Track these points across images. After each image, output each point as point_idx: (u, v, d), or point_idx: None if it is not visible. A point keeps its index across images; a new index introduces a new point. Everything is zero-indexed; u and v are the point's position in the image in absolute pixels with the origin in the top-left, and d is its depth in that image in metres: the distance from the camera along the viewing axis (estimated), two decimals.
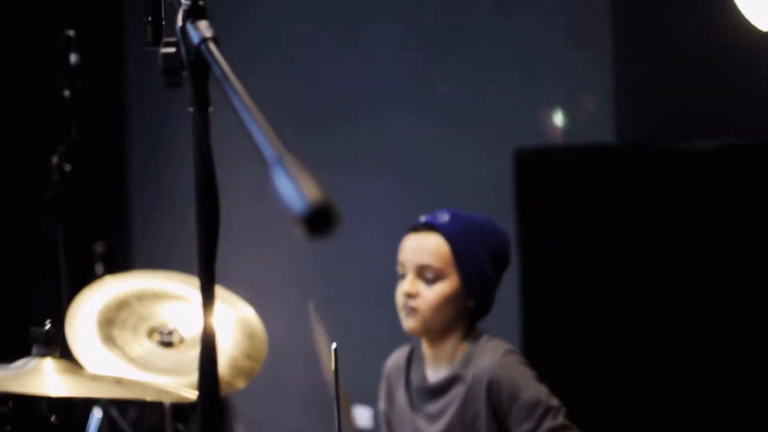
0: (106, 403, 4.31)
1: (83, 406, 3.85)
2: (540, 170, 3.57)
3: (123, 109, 5.32)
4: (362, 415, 3.19)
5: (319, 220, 0.91)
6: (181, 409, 3.79)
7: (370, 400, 2.97)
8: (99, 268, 4.46)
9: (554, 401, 2.47)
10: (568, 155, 3.56)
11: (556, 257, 3.57)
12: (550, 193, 3.56)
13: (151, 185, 5.30)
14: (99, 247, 4.54)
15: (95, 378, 2.30)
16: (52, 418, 1.92)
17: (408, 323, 2.53)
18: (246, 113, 0.99)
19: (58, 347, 1.87)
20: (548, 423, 2.44)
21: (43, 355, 1.86)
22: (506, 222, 3.58)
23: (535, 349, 3.53)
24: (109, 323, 2.83)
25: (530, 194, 3.56)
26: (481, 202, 3.67)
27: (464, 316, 2.55)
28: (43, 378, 1.83)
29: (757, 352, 3.04)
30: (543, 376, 3.41)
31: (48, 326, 1.88)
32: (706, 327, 3.13)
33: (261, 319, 2.84)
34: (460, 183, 3.95)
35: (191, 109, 1.15)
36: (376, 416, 2.79)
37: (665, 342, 3.23)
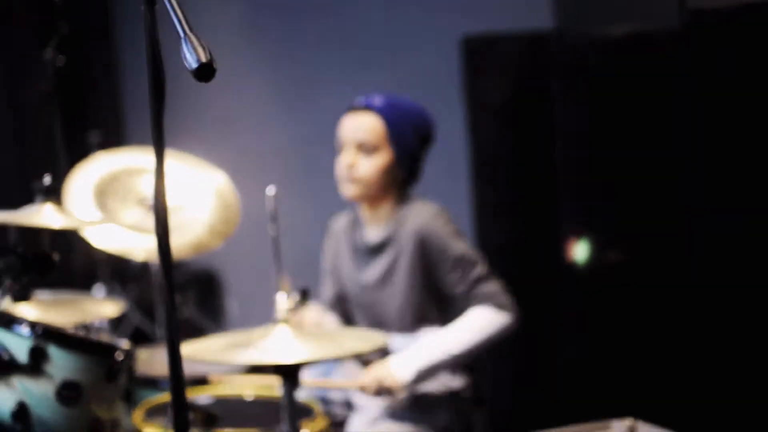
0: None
1: None
2: (485, 56, 3.97)
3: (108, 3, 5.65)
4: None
5: (204, 72, 1.53)
6: None
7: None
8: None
9: (476, 255, 2.92)
10: (511, 42, 3.94)
11: (502, 137, 3.98)
12: (494, 77, 3.96)
13: (141, 75, 5.64)
14: (94, 137, 4.90)
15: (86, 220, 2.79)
16: (54, 255, 2.37)
17: (349, 191, 2.98)
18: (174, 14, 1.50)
19: (57, 197, 2.32)
20: (476, 272, 2.89)
21: (44, 201, 2.32)
22: (453, 104, 3.99)
23: (484, 222, 4.01)
24: (103, 194, 3.26)
25: (476, 78, 3.96)
26: (429, 86, 4.06)
27: (397, 183, 2.99)
28: (45, 216, 2.29)
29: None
30: (489, 242, 3.87)
31: (47, 179, 2.33)
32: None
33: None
34: (411, 69, 4.31)
35: (143, 7, 1.61)
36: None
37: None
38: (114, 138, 5.35)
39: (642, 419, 2.45)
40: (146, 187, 3.28)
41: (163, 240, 1.69)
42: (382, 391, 2.78)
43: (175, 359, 1.71)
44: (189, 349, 2.42)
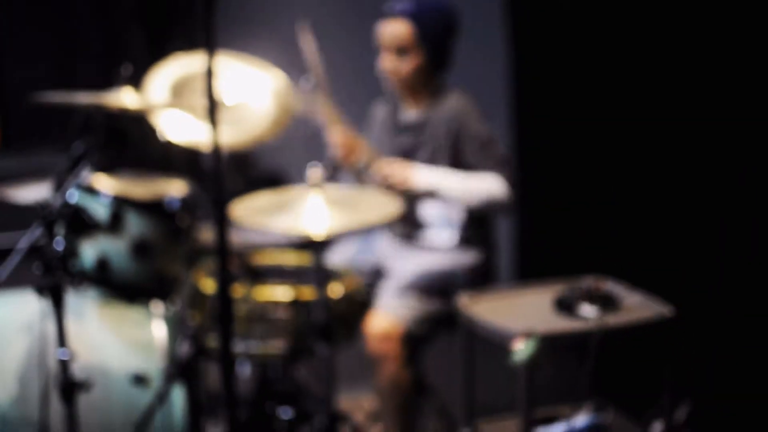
0: None
1: None
2: None
3: None
4: None
5: None
6: None
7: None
8: None
9: (498, 138, 3.36)
10: None
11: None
12: None
13: None
14: (178, 43, 5.29)
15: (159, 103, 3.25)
16: (129, 133, 2.87)
17: (388, 85, 3.47)
18: None
19: (133, 83, 2.82)
20: (498, 153, 3.35)
21: (121, 86, 2.83)
22: None
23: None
24: (179, 91, 3.70)
25: None
26: None
27: (430, 74, 3.44)
28: (123, 98, 2.79)
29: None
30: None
31: (125, 68, 2.82)
32: None
33: None
34: None
35: None
36: None
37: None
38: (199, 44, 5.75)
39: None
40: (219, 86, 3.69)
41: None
42: (393, 180, 3.28)
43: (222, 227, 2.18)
44: (235, 208, 2.92)
